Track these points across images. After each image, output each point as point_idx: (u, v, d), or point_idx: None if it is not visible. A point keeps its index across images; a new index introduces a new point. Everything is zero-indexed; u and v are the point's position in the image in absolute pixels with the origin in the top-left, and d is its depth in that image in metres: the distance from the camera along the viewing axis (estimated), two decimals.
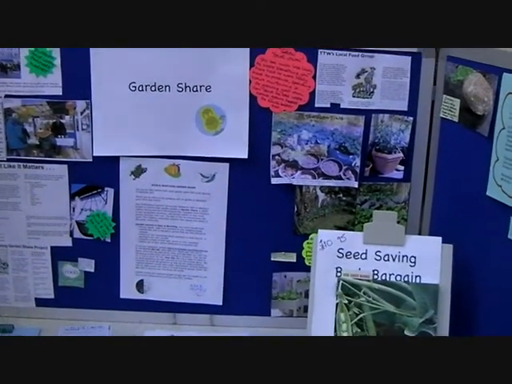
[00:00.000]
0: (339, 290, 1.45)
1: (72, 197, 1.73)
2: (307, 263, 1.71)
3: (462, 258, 1.47)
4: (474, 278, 1.50)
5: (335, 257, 1.48)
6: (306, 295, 1.73)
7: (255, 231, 1.74)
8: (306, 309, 1.73)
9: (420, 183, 1.71)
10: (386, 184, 1.70)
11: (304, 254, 1.72)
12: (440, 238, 1.46)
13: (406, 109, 1.65)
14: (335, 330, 1.44)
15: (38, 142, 1.69)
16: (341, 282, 1.45)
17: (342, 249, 1.48)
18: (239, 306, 1.79)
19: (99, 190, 1.72)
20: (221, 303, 1.79)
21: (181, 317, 1.81)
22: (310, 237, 1.69)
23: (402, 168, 1.69)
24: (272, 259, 1.75)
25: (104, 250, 1.77)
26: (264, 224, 1.73)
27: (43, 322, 1.81)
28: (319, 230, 1.49)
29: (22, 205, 1.75)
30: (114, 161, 1.70)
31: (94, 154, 1.69)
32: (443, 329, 1.44)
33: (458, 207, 1.57)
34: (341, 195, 1.69)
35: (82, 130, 1.67)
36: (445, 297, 1.44)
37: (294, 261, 1.74)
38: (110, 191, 1.72)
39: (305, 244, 1.72)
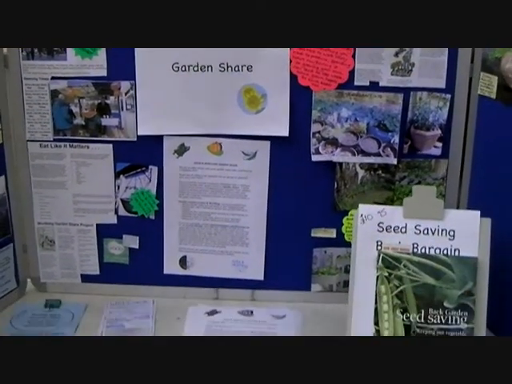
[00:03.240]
0: (380, 263, 1.47)
1: (117, 175, 1.77)
2: (347, 239, 1.73)
3: (501, 232, 1.49)
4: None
5: (375, 231, 1.50)
6: (346, 270, 1.76)
7: (296, 208, 1.76)
8: (345, 284, 1.76)
9: (458, 160, 1.73)
10: (424, 161, 1.72)
11: (344, 229, 1.75)
12: (478, 212, 1.48)
13: (443, 86, 1.66)
14: (376, 303, 1.47)
15: (83, 123, 1.73)
16: (381, 255, 1.48)
17: (382, 223, 1.50)
18: (280, 281, 1.82)
19: (143, 169, 1.76)
20: (262, 278, 1.82)
21: (223, 292, 1.85)
22: (350, 213, 1.72)
23: (440, 145, 1.70)
24: (312, 235, 1.78)
25: (148, 226, 1.81)
26: (304, 200, 1.76)
27: (89, 297, 1.85)
28: (360, 205, 1.51)
29: (69, 183, 1.79)
30: (158, 140, 1.73)
31: (139, 134, 1.72)
32: (482, 301, 1.45)
33: (496, 183, 1.59)
34: (380, 172, 1.72)
35: (127, 110, 1.71)
36: (483, 270, 1.46)
37: (334, 236, 1.77)
38: (154, 169, 1.76)
39: (344, 220, 1.74)
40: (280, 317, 1.75)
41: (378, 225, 1.50)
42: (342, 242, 1.76)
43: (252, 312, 1.77)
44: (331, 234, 1.77)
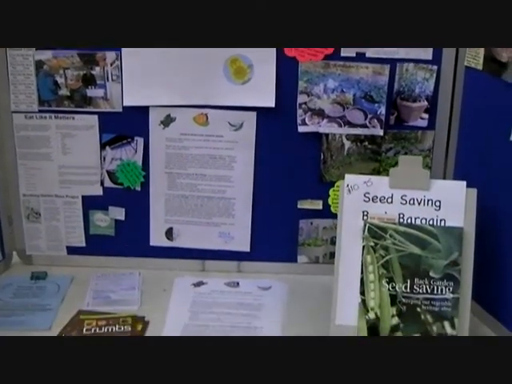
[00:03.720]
0: (366, 232, 1.48)
1: (102, 146, 1.76)
2: (333, 210, 1.74)
3: (486, 202, 1.49)
4: (498, 221, 1.52)
5: (361, 201, 1.50)
6: (332, 242, 1.76)
7: (282, 179, 1.76)
8: (331, 255, 1.76)
9: (444, 131, 1.73)
10: (410, 132, 1.72)
11: (330, 201, 1.75)
12: (464, 183, 1.48)
13: (430, 58, 1.66)
14: (362, 273, 1.47)
15: (68, 94, 1.72)
16: (367, 225, 1.48)
17: (368, 193, 1.50)
18: (266, 252, 1.83)
19: (129, 140, 1.75)
20: (248, 250, 1.83)
21: (209, 263, 1.85)
22: (336, 184, 1.72)
23: (426, 116, 1.70)
24: (299, 207, 1.78)
25: (134, 198, 1.80)
26: (291, 172, 1.76)
27: (75, 269, 1.85)
28: (346, 175, 1.51)
29: (54, 155, 1.78)
30: (144, 111, 1.73)
31: (124, 104, 1.72)
32: (467, 271, 1.46)
33: (482, 155, 1.59)
34: (366, 143, 1.72)
35: (112, 80, 1.70)
36: (469, 240, 1.46)
37: (320, 208, 1.77)
38: (140, 141, 1.75)
39: (331, 191, 1.75)
40: (266, 288, 1.75)
41: (364, 195, 1.50)
42: (328, 213, 1.76)
43: (238, 283, 1.77)
44: (317, 205, 1.77)
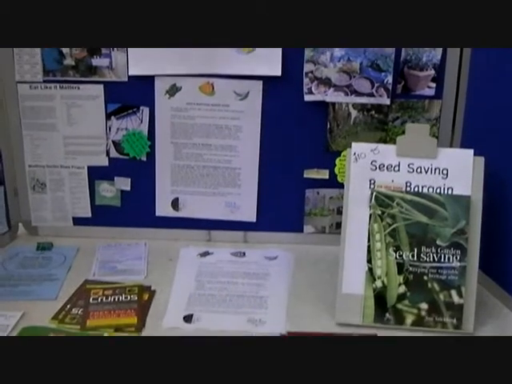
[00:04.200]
0: (373, 201, 1.47)
1: (108, 116, 1.76)
2: (339, 180, 1.74)
3: (494, 171, 1.49)
4: (505, 190, 1.52)
5: (368, 169, 1.49)
6: (339, 212, 1.76)
7: (288, 148, 1.76)
8: (338, 225, 1.76)
9: (451, 100, 1.71)
10: (417, 101, 1.71)
11: (336, 170, 1.74)
12: (472, 151, 1.47)
13: None
14: (368, 241, 1.47)
15: (73, 63, 1.71)
16: (374, 193, 1.47)
17: (375, 161, 1.49)
18: (272, 222, 1.82)
19: (134, 110, 1.75)
20: (254, 220, 1.82)
21: (215, 234, 1.85)
22: (343, 154, 1.71)
23: (433, 85, 1.69)
24: (305, 176, 1.77)
25: (140, 168, 1.80)
26: (297, 141, 1.75)
27: (81, 240, 1.85)
28: (353, 143, 1.50)
29: (59, 125, 1.78)
30: (149, 80, 1.72)
31: (130, 74, 1.71)
32: (474, 240, 1.45)
33: (490, 123, 1.58)
34: (373, 112, 1.71)
35: (117, 49, 1.69)
36: (476, 208, 1.46)
37: (327, 178, 1.77)
38: (146, 110, 1.74)
39: (337, 161, 1.74)
40: (272, 258, 1.75)
41: (371, 163, 1.49)
42: (334, 183, 1.76)
43: (244, 253, 1.77)
44: (324, 175, 1.76)
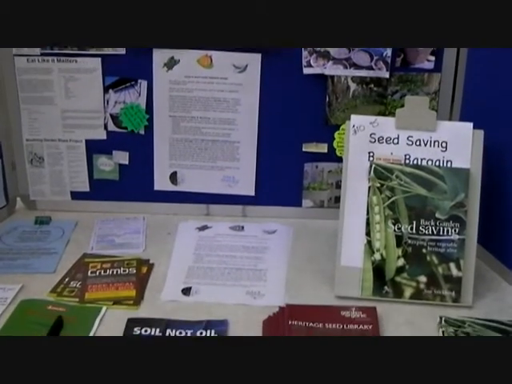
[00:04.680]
0: (371, 173, 1.47)
1: (106, 90, 1.75)
2: (338, 154, 1.73)
3: (493, 144, 1.48)
4: (504, 164, 1.51)
5: (367, 142, 1.49)
6: (337, 186, 1.76)
7: (287, 122, 1.75)
8: (336, 199, 1.76)
9: (451, 74, 1.70)
10: (416, 74, 1.70)
11: (335, 144, 1.74)
12: (471, 124, 1.47)
13: None
14: (367, 213, 1.46)
15: None
16: (373, 165, 1.47)
17: (374, 134, 1.49)
18: (271, 196, 1.82)
19: (132, 83, 1.74)
20: (253, 194, 1.82)
21: (214, 208, 1.84)
22: (342, 127, 1.71)
23: (432, 58, 1.68)
24: (303, 150, 1.76)
25: (138, 142, 1.79)
26: (296, 115, 1.74)
27: (79, 214, 1.84)
28: (352, 115, 1.50)
29: (57, 99, 1.77)
30: (147, 53, 1.71)
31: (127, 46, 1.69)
32: (473, 213, 1.45)
33: (489, 97, 1.57)
34: (372, 86, 1.70)
35: None
36: (475, 181, 1.46)
37: (326, 151, 1.76)
38: (144, 83, 1.73)
39: (336, 135, 1.73)
40: (271, 232, 1.75)
41: (370, 136, 1.49)
42: (333, 157, 1.75)
43: (243, 227, 1.77)
44: (323, 148, 1.76)
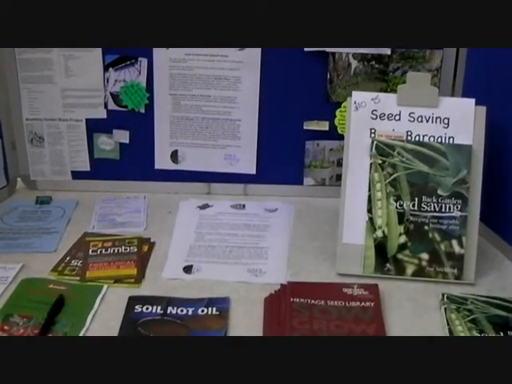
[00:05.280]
0: (373, 150, 1.46)
1: (106, 68, 1.74)
2: (339, 131, 1.72)
3: (496, 121, 1.47)
4: (507, 140, 1.51)
5: (369, 118, 1.48)
6: (339, 164, 1.75)
7: (288, 100, 1.74)
8: (338, 177, 1.75)
9: (453, 50, 1.69)
10: (418, 51, 1.69)
11: (336, 122, 1.73)
12: (473, 100, 1.46)
13: None
14: (369, 190, 1.46)
15: None
16: (375, 142, 1.46)
17: (376, 110, 1.48)
18: (272, 175, 1.82)
19: (133, 61, 1.73)
20: (254, 172, 1.81)
21: (215, 186, 1.84)
22: (343, 105, 1.70)
23: None
24: (305, 128, 1.76)
25: (138, 121, 1.78)
26: (297, 92, 1.73)
27: (80, 194, 1.84)
28: (353, 92, 1.49)
29: (57, 78, 1.76)
30: None
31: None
32: (476, 189, 1.45)
33: (491, 73, 1.56)
34: (373, 63, 1.69)
35: None
36: (478, 158, 1.45)
37: (327, 129, 1.75)
38: (144, 61, 1.73)
39: (337, 112, 1.72)
40: (272, 210, 1.75)
41: (372, 112, 1.48)
42: (334, 134, 1.74)
43: (244, 206, 1.77)
44: (324, 126, 1.75)
